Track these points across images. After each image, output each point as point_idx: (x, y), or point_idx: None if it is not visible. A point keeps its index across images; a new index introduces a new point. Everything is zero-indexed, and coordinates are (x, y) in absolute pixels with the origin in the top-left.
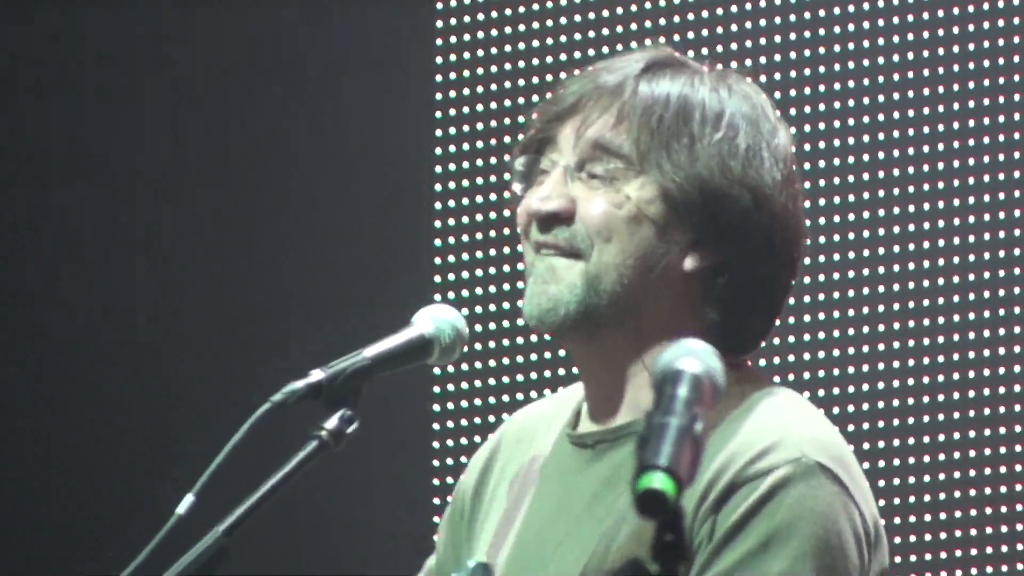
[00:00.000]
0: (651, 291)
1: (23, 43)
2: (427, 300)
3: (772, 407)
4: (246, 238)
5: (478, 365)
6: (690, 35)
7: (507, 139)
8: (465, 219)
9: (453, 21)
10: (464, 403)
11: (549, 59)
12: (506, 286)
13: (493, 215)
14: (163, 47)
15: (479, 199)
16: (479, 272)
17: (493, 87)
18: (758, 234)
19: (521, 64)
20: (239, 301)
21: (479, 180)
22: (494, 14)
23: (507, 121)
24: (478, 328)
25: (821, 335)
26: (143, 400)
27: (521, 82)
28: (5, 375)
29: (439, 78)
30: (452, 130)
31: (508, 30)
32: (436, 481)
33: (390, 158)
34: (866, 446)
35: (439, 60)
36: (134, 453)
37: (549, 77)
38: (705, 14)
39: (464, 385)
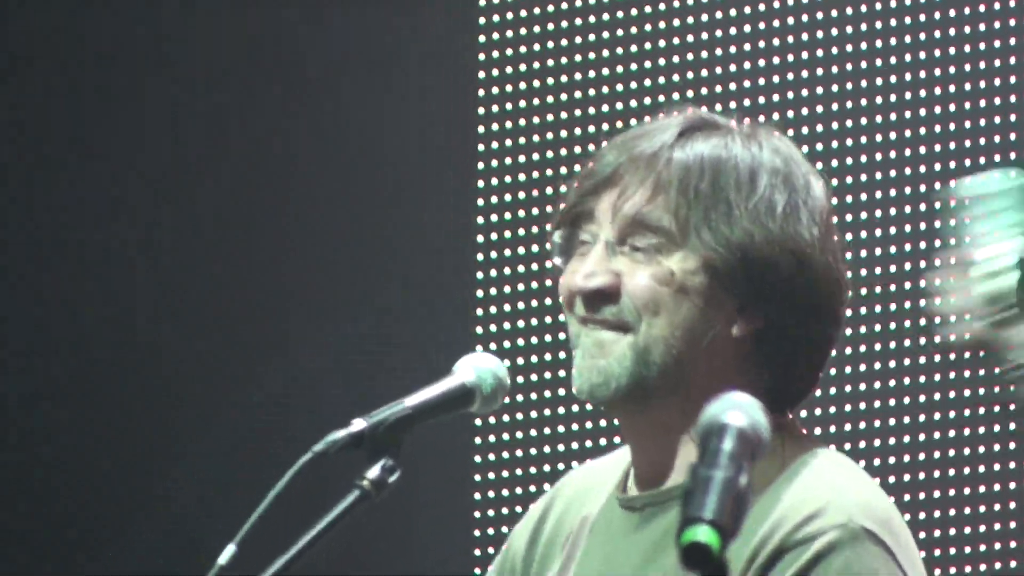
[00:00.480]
0: (699, 360)
1: (23, 42)
2: (468, 349)
3: (819, 469)
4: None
5: (519, 416)
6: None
7: (549, 190)
8: (507, 270)
9: (496, 36)
10: (505, 454)
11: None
12: (548, 337)
13: (535, 266)
14: (163, 47)
15: (521, 250)
16: (520, 323)
17: (535, 138)
18: (801, 294)
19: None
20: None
21: (520, 231)
22: (536, 28)
23: (549, 172)
24: (519, 379)
25: None
26: (142, 399)
27: (563, 151)
28: (3, 375)
29: (481, 129)
30: (495, 180)
31: (552, 59)
32: (477, 532)
33: (432, 205)
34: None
35: (480, 113)
36: (134, 453)
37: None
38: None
39: (505, 436)
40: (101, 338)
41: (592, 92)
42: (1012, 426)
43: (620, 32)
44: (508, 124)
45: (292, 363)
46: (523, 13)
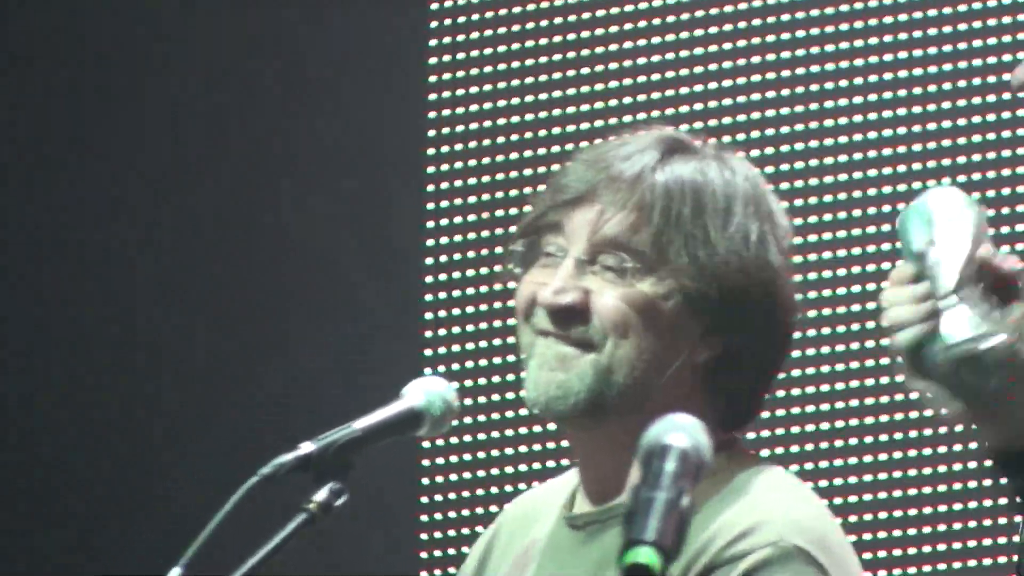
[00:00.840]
0: (660, 383)
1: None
2: (416, 373)
3: (757, 488)
4: (231, 322)
5: (467, 438)
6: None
7: (499, 212)
8: (456, 292)
9: (446, 75)
10: (453, 476)
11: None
12: (496, 359)
13: (484, 288)
14: (163, 47)
15: (470, 272)
16: (470, 345)
17: (486, 160)
18: (766, 321)
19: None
20: (220, 375)
21: (470, 253)
22: (487, 52)
23: (500, 193)
24: (468, 401)
25: None
26: (141, 399)
27: (520, 172)
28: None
29: (431, 156)
30: (444, 203)
31: (509, 86)
32: (423, 554)
33: (377, 236)
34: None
35: (431, 139)
36: (134, 452)
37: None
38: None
39: (453, 458)
40: (99, 337)
41: (543, 114)
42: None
43: (573, 54)
44: (458, 146)
45: (284, 433)
46: (474, 35)
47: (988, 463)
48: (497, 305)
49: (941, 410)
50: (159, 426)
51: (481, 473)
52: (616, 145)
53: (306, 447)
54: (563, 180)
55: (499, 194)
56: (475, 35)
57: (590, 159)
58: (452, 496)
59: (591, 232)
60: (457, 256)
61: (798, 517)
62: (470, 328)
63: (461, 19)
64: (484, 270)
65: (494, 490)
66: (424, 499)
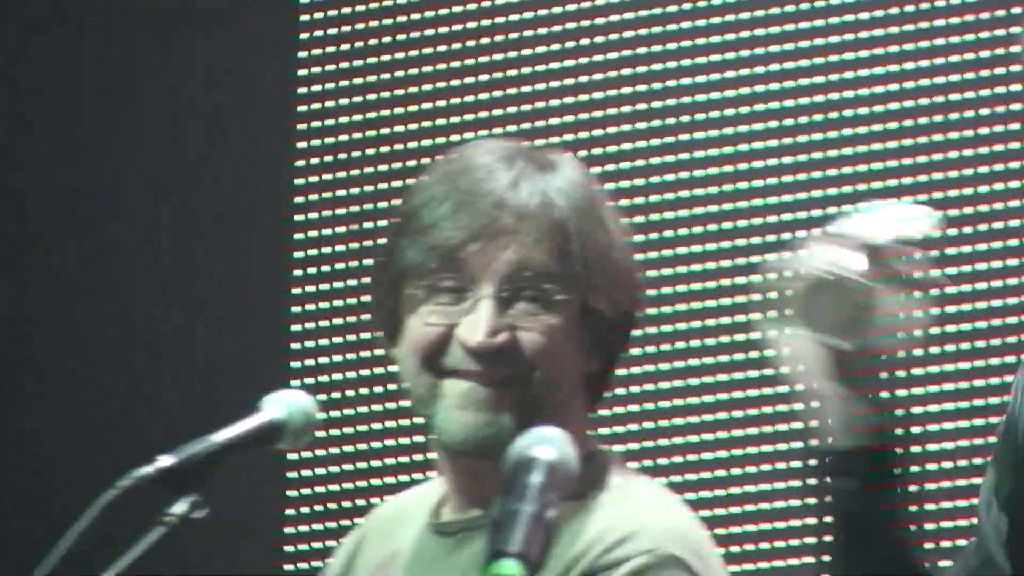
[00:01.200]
0: (568, 399)
1: None
2: (282, 386)
3: (630, 497)
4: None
5: (334, 450)
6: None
7: (367, 223)
8: (323, 304)
9: (316, 105)
10: (320, 488)
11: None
12: (363, 371)
13: (352, 300)
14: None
15: (337, 284)
16: (337, 357)
17: (354, 172)
18: (632, 330)
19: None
20: (80, 393)
21: (339, 265)
22: (357, 81)
23: (369, 204)
24: (334, 413)
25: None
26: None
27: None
28: None
29: (301, 169)
30: (312, 215)
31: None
32: (289, 566)
33: (242, 249)
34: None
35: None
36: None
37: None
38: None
39: (319, 470)
40: None
41: (411, 126)
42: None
43: (430, 68)
44: (327, 157)
45: (145, 447)
46: (344, 46)
47: (815, 459)
48: (364, 316)
49: (794, 369)
50: (8, 437)
51: (348, 485)
52: (484, 171)
53: (165, 460)
54: (442, 215)
55: (367, 206)
56: (345, 47)
57: (466, 189)
58: (319, 508)
59: (505, 267)
60: (325, 268)
61: (674, 526)
62: (336, 340)
63: (332, 30)
64: (352, 282)
65: (360, 503)
66: (289, 511)
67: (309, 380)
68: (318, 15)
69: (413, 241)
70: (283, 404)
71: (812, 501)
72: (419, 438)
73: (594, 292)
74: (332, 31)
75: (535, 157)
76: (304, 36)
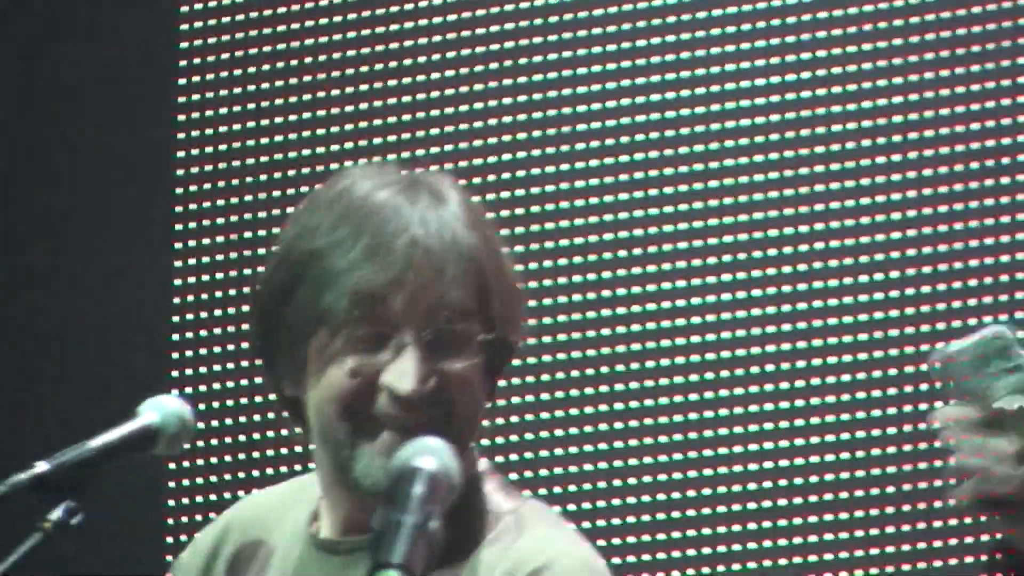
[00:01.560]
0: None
1: None
2: (162, 392)
3: (537, 523)
4: None
5: (214, 460)
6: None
7: (247, 233)
8: (204, 314)
9: (195, 115)
10: (199, 498)
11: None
12: (243, 382)
13: (232, 310)
14: None
15: (218, 293)
16: (216, 367)
17: (235, 182)
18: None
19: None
20: None
21: (218, 275)
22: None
23: (248, 215)
24: (215, 423)
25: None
26: None
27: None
28: None
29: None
30: (192, 224)
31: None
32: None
33: (124, 254)
34: None
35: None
36: None
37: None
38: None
39: (199, 480)
40: None
41: (292, 136)
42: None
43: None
44: (207, 167)
45: (24, 457)
46: (222, 110)
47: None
48: (245, 327)
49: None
50: None
51: (227, 495)
52: (389, 208)
53: (40, 466)
54: (356, 259)
55: (247, 215)
56: (225, 56)
57: (375, 230)
58: (199, 518)
59: (426, 310)
60: (205, 278)
61: (583, 555)
62: (217, 350)
63: (208, 112)
64: (232, 292)
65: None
66: (170, 521)
67: (190, 389)
68: (197, 24)
69: (324, 286)
70: (158, 410)
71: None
72: (300, 448)
73: (506, 326)
74: (211, 40)
75: (427, 185)
76: (184, 45)
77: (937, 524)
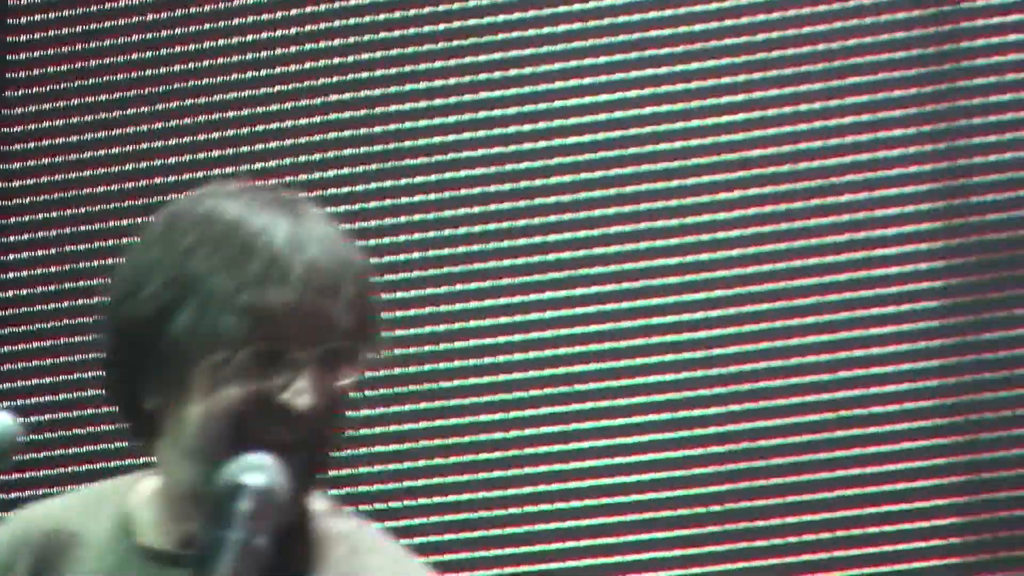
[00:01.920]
0: None
1: None
2: None
3: (372, 550)
4: None
5: (45, 472)
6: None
7: (76, 246)
8: (27, 327)
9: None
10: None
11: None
12: (67, 395)
13: (56, 324)
14: None
15: (44, 306)
16: (44, 380)
17: (59, 195)
18: None
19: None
20: None
21: (45, 288)
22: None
23: (73, 229)
24: (36, 437)
25: None
26: None
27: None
28: None
29: None
30: (14, 238)
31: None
32: None
33: None
34: None
35: None
36: None
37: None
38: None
39: (30, 492)
40: None
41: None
42: None
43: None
44: (31, 161)
45: None
46: (51, 69)
47: None
48: (72, 340)
49: None
50: None
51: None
52: (264, 230)
53: None
54: (247, 281)
55: (72, 228)
56: (52, 69)
57: (265, 252)
58: None
59: (317, 330)
60: (27, 292)
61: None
62: (43, 363)
63: (37, 53)
64: (55, 305)
65: None
66: None
67: (12, 402)
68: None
69: (213, 307)
70: None
71: None
72: (130, 461)
73: (377, 342)
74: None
75: (294, 205)
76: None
77: (923, 525)
